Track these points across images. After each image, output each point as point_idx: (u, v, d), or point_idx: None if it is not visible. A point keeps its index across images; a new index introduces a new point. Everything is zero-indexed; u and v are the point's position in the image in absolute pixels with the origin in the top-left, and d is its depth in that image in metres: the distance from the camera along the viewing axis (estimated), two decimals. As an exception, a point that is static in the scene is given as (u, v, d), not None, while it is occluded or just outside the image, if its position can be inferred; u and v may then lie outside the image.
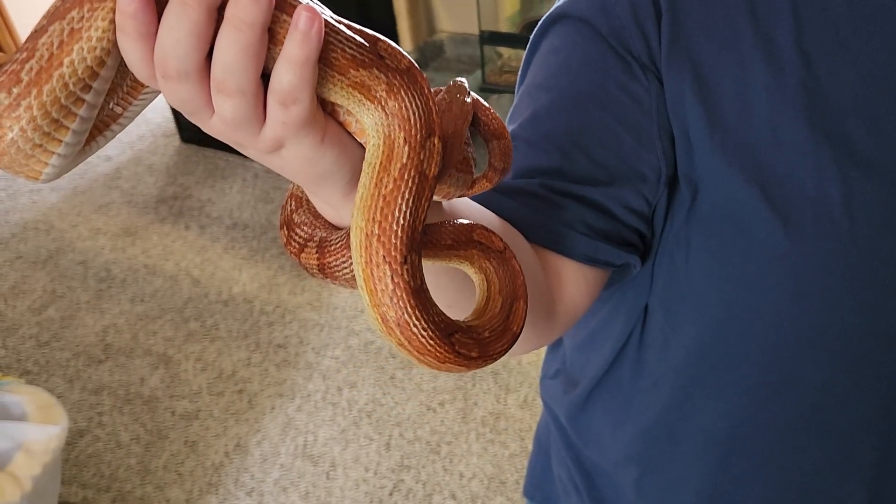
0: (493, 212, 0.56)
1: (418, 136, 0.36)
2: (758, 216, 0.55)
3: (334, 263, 0.44)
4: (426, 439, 2.01)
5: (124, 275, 2.65)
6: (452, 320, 0.38)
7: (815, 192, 0.53)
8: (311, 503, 1.88)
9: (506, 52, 2.67)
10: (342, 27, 0.35)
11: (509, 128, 0.63)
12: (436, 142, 0.36)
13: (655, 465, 0.74)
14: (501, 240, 0.43)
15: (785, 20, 0.53)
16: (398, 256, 0.35)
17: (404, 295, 0.35)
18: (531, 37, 0.65)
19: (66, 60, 0.33)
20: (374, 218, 0.35)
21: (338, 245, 0.44)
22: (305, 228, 0.47)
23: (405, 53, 0.37)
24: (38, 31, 0.34)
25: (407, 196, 0.36)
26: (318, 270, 0.45)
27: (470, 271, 0.43)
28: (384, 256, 0.35)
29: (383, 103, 0.35)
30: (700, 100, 0.55)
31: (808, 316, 0.57)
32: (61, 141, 0.36)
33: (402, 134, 0.36)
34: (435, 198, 0.44)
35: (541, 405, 2.04)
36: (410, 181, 0.36)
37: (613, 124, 0.57)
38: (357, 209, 0.36)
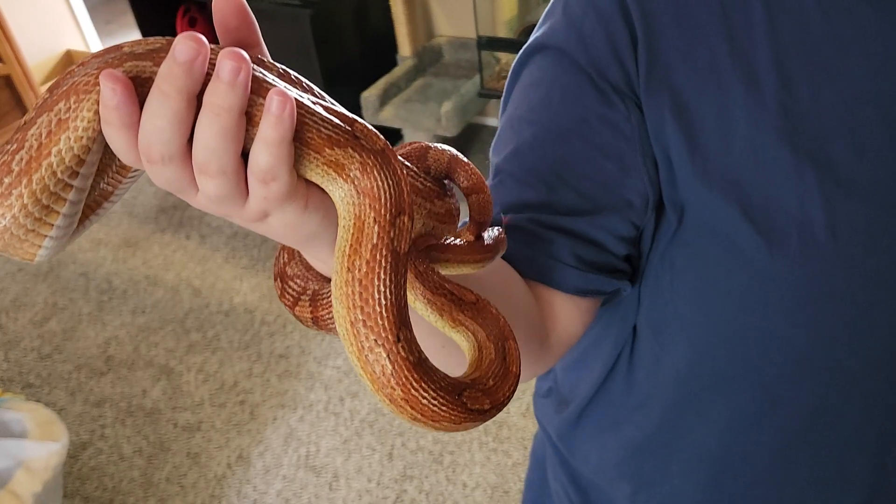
0: None
1: (388, 216, 0.36)
2: (741, 238, 0.55)
3: (327, 317, 0.45)
4: (429, 449, 2.00)
5: (125, 286, 2.65)
6: (457, 380, 0.38)
7: (799, 213, 0.53)
8: (314, 515, 1.87)
9: (504, 56, 2.67)
10: (319, 108, 0.36)
11: (494, 159, 0.64)
12: (405, 220, 0.36)
13: (648, 483, 0.74)
14: (471, 291, 0.43)
15: (762, 42, 0.53)
16: (390, 337, 0.35)
17: (406, 372, 0.35)
18: (513, 65, 0.65)
19: (54, 150, 0.35)
20: (354, 304, 0.35)
21: (330, 299, 0.45)
22: (298, 281, 0.48)
23: (380, 136, 0.38)
24: (28, 123, 0.36)
25: (383, 276, 0.35)
26: (313, 323, 0.46)
27: (451, 333, 0.43)
28: (375, 340, 0.35)
29: (356, 182, 0.36)
30: (680, 125, 0.55)
31: (796, 336, 0.57)
32: (52, 225, 0.38)
33: (371, 213, 0.36)
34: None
35: (543, 413, 2.04)
36: (383, 260, 0.35)
37: (596, 156, 0.58)
38: (336, 298, 0.36)
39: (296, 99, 0.35)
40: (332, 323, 0.44)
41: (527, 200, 0.59)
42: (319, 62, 2.75)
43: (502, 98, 0.67)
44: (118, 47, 0.35)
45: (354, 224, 0.36)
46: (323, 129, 0.36)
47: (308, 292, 0.47)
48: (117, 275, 2.70)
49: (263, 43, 0.39)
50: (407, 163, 0.43)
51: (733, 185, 0.54)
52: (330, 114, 0.36)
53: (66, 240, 0.40)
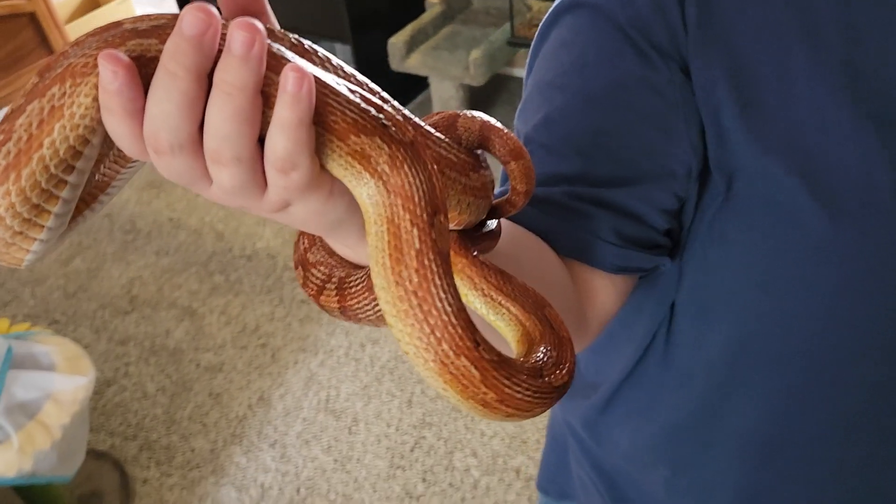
0: (517, 223, 0.54)
1: (425, 216, 0.33)
2: (800, 205, 0.52)
3: (357, 306, 0.42)
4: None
5: (149, 228, 2.66)
6: (534, 364, 0.36)
7: (862, 178, 0.50)
8: (333, 456, 1.90)
9: (535, 4, 2.61)
10: (343, 89, 0.32)
11: (521, 127, 0.60)
12: (443, 219, 0.33)
13: (688, 466, 0.71)
14: (495, 274, 0.41)
15: None
16: (469, 344, 0.33)
17: (495, 373, 0.33)
18: (540, 25, 0.61)
19: (47, 141, 0.30)
20: (418, 320, 0.33)
21: (359, 287, 0.42)
22: (322, 269, 0.44)
23: (409, 126, 0.34)
24: (16, 111, 0.31)
25: (439, 282, 0.33)
26: (340, 313, 0.43)
27: (492, 316, 0.41)
28: (455, 352, 0.33)
29: (384, 178, 0.33)
30: (734, 85, 0.52)
31: (855, 309, 0.55)
32: (43, 226, 0.33)
33: (407, 216, 0.33)
34: (454, 227, 0.41)
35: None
36: (433, 265, 0.33)
37: (635, 122, 0.54)
38: (392, 316, 0.33)
39: (316, 76, 0.31)
40: (362, 313, 0.42)
41: (561, 172, 0.55)
42: (347, 7, 2.71)
43: (528, 60, 0.64)
44: (118, 24, 0.31)
45: (388, 229, 0.33)
46: (348, 113, 0.32)
47: (333, 280, 0.44)
48: (141, 216, 2.71)
49: (271, 11, 0.35)
50: (437, 133, 0.40)
51: (793, 149, 0.51)
52: (355, 95, 0.32)
53: (57, 241, 0.35)
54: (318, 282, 0.44)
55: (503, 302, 0.41)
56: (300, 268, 0.46)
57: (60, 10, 3.53)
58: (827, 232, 0.52)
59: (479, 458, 1.86)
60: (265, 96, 0.30)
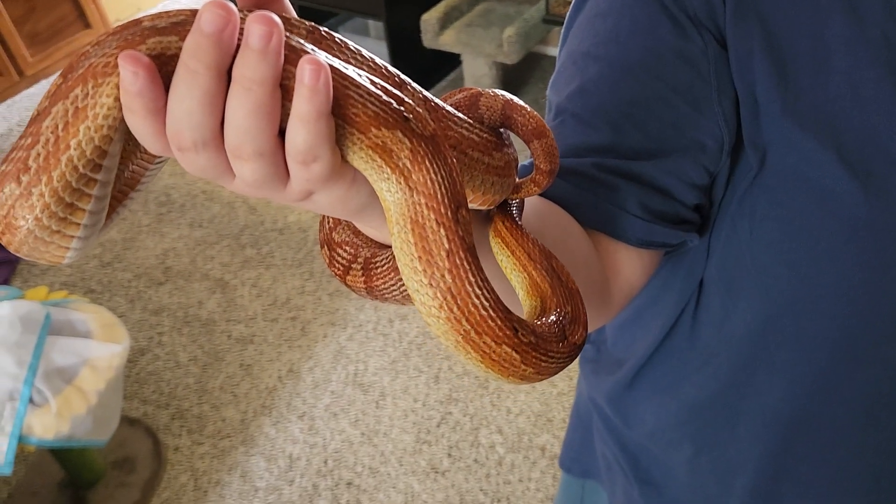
0: (543, 195, 0.54)
1: (449, 213, 0.33)
2: (834, 183, 0.51)
3: (383, 286, 0.43)
4: (475, 374, 2.02)
5: (183, 200, 2.70)
6: (557, 328, 0.38)
7: None
8: (360, 429, 1.92)
9: (571, -18, 2.57)
10: (364, 80, 0.32)
11: (553, 98, 0.59)
12: (464, 213, 0.34)
13: (712, 445, 0.71)
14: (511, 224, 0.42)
15: None
16: (509, 333, 0.34)
17: (534, 353, 0.35)
18: None
19: (73, 142, 0.31)
20: (458, 319, 0.33)
21: (385, 268, 0.42)
22: (348, 248, 0.45)
23: (430, 119, 0.34)
24: (41, 114, 0.32)
25: (472, 278, 0.33)
26: (367, 293, 0.44)
27: (509, 275, 0.42)
28: (496, 342, 0.34)
29: (406, 174, 0.33)
30: (770, 58, 0.51)
31: (884, 289, 0.54)
32: (79, 224, 0.34)
33: (432, 215, 0.33)
34: (478, 207, 0.41)
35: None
36: (465, 262, 0.33)
37: (668, 94, 0.54)
38: (431, 316, 0.34)
39: (334, 67, 0.31)
40: (388, 293, 0.43)
41: (591, 143, 0.55)
42: (381, -19, 2.69)
43: (562, 30, 0.63)
44: (137, 22, 0.31)
45: (413, 230, 0.33)
46: (369, 105, 0.32)
47: (359, 260, 0.44)
48: (175, 188, 2.75)
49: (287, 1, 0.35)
50: (458, 113, 0.40)
51: (828, 124, 0.51)
52: (376, 87, 0.32)
53: (96, 237, 0.36)
54: (343, 262, 0.45)
55: (516, 251, 0.42)
56: (326, 247, 0.46)
57: (98, -17, 3.56)
58: (860, 209, 0.51)
59: (504, 435, 1.87)
60: (284, 89, 0.30)
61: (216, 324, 2.23)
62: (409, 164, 0.33)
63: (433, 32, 2.67)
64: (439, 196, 0.33)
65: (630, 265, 0.58)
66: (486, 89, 0.42)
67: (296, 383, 2.04)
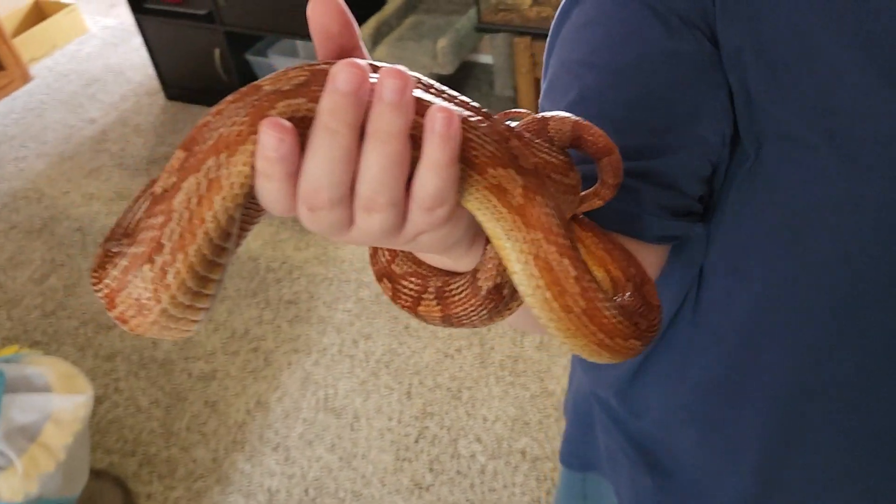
0: None
1: (567, 242, 0.35)
2: (827, 162, 0.53)
3: (462, 313, 0.43)
4: (446, 386, 2.02)
5: (124, 239, 2.61)
6: (645, 302, 0.41)
7: (885, 134, 0.52)
8: (338, 454, 1.89)
9: (499, -11, 2.60)
10: (482, 123, 0.33)
11: (550, 108, 0.61)
12: (573, 236, 0.36)
13: (718, 426, 0.73)
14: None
15: None
16: (635, 331, 0.39)
17: (651, 334, 0.40)
18: (561, 3, 0.62)
19: (209, 216, 0.31)
20: (594, 333, 0.37)
21: (463, 295, 0.43)
22: (414, 280, 0.45)
23: (529, 152, 0.35)
24: (171, 190, 0.31)
25: (600, 294, 0.36)
26: (442, 321, 0.44)
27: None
28: (624, 339, 0.38)
29: (521, 212, 0.34)
30: (759, 50, 0.54)
31: (884, 259, 0.57)
32: (209, 295, 0.34)
33: (553, 248, 0.34)
34: None
35: (558, 346, 2.06)
36: (589, 284, 0.36)
37: (667, 93, 0.55)
38: (568, 338, 0.37)
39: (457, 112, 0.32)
40: (467, 319, 0.43)
41: None
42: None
43: (548, 39, 0.64)
44: (257, 87, 0.31)
45: (537, 264, 0.35)
46: (486, 146, 0.33)
47: (430, 290, 0.44)
48: (114, 228, 2.66)
49: (363, 45, 0.36)
50: (537, 139, 0.41)
51: (817, 109, 0.53)
52: (486, 126, 0.33)
53: (213, 307, 0.36)
54: (412, 293, 0.45)
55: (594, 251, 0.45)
56: (386, 280, 0.46)
57: (7, 23, 3.43)
58: (853, 186, 0.53)
59: (483, 444, 1.87)
60: (412, 139, 0.31)
61: (174, 363, 2.16)
62: (522, 202, 0.34)
63: (366, 49, 2.66)
64: (554, 228, 0.34)
65: (647, 262, 0.59)
66: (552, 113, 0.42)
67: (266, 415, 2.00)
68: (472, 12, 2.60)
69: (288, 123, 0.29)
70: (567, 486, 1.05)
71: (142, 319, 0.32)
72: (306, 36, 2.79)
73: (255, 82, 0.31)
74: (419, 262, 0.46)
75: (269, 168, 0.30)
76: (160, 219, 0.31)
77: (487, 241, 0.42)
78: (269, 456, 1.90)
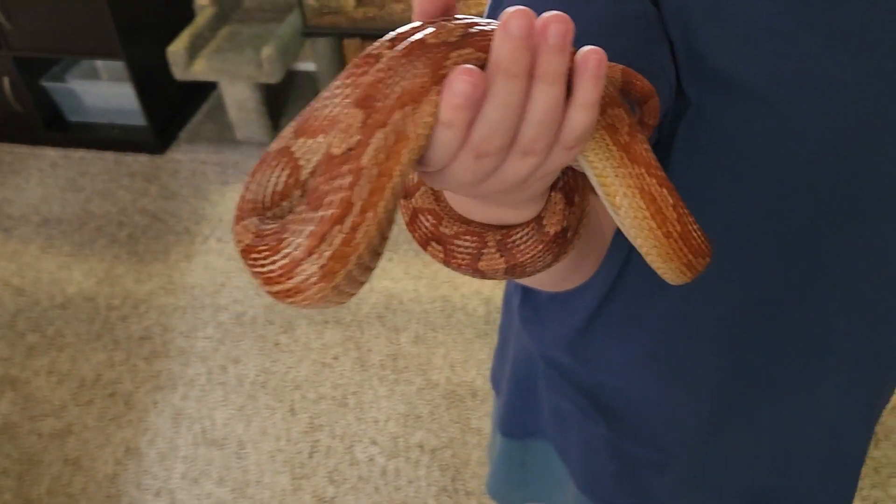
0: None
1: (663, 172, 0.37)
2: (763, 104, 0.59)
3: (529, 261, 0.44)
4: (330, 395, 1.97)
5: (-74, 299, 2.28)
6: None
7: (815, 74, 0.57)
8: (229, 486, 1.79)
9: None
10: None
11: None
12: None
13: (675, 365, 0.77)
14: None
15: None
16: (710, 248, 0.43)
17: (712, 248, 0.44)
18: None
19: (397, 170, 0.31)
20: (686, 254, 0.41)
21: (529, 242, 0.44)
22: (469, 238, 0.45)
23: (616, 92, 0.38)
24: (356, 148, 0.30)
25: (691, 218, 0.41)
26: (506, 272, 0.45)
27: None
28: (704, 259, 0.43)
29: (627, 148, 0.36)
30: (696, 8, 0.57)
31: (824, 189, 0.63)
32: (380, 255, 0.33)
33: (654, 181, 0.37)
34: None
35: (434, 338, 2.08)
36: (684, 207, 0.40)
37: (622, 57, 0.59)
38: (665, 261, 0.41)
39: None
40: (532, 266, 0.44)
41: None
42: (114, 20, 2.49)
43: (488, 8, 0.65)
44: (421, 42, 0.31)
45: (642, 196, 0.37)
46: (608, 87, 0.35)
47: (490, 244, 0.45)
48: None
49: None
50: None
51: (752, 56, 0.57)
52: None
53: None
54: (470, 251, 0.45)
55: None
56: (435, 244, 0.46)
57: None
58: (789, 125, 0.59)
59: (379, 445, 1.86)
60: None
61: (18, 426, 1.93)
62: (628, 139, 0.36)
63: (183, 64, 2.53)
64: (653, 161, 0.37)
65: (603, 210, 0.63)
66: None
67: (139, 461, 1.84)
68: (293, 18, 2.56)
69: (478, 69, 0.30)
70: (506, 455, 1.06)
71: (324, 285, 0.30)
72: (108, 55, 2.60)
73: (416, 37, 0.31)
74: (468, 221, 0.46)
75: (455, 116, 0.30)
76: (348, 178, 0.30)
77: (552, 188, 0.43)
78: (152, 503, 1.75)
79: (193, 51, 2.57)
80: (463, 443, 1.84)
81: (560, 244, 0.43)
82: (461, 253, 0.45)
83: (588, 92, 0.32)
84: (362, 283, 0.34)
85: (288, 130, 0.36)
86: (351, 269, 0.31)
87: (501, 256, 0.44)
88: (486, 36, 0.32)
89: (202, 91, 3.04)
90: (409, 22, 0.33)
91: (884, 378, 0.79)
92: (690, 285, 0.70)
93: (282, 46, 2.49)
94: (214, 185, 2.66)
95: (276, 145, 0.36)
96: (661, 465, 0.87)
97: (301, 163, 0.35)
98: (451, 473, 1.78)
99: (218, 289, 2.27)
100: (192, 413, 1.95)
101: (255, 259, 0.32)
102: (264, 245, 0.31)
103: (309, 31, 2.35)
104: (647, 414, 0.84)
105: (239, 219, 0.34)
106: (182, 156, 2.82)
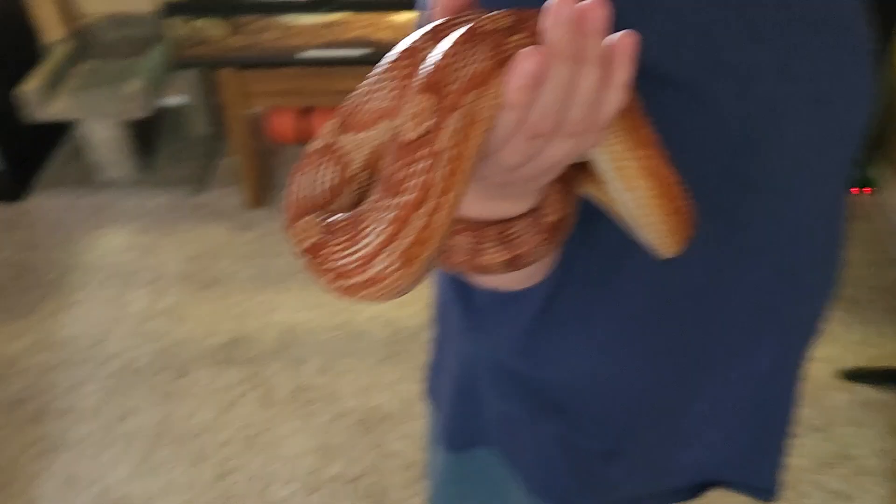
0: None
1: (665, 151, 0.40)
2: (683, 95, 0.61)
3: (529, 252, 0.45)
4: (237, 437, 1.89)
5: None
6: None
7: (726, 66, 0.61)
8: (137, 549, 1.66)
9: (199, 21, 2.48)
10: None
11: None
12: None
13: (635, 354, 0.79)
14: None
15: None
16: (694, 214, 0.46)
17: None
18: None
19: (471, 151, 0.31)
20: (687, 221, 0.44)
21: (529, 233, 0.45)
22: (466, 235, 0.46)
23: None
24: (432, 132, 0.30)
25: (685, 193, 0.43)
26: (506, 265, 0.46)
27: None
28: (692, 223, 0.46)
29: (638, 132, 0.39)
30: None
31: (738, 153, 0.68)
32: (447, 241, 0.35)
33: (662, 161, 0.40)
34: None
35: (340, 366, 2.04)
36: (683, 186, 0.43)
37: None
38: (669, 234, 0.44)
39: None
40: (531, 257, 0.46)
41: None
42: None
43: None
44: (475, 29, 0.32)
45: (649, 176, 0.40)
46: None
47: (490, 239, 0.46)
48: None
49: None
50: None
51: (678, 50, 0.60)
52: None
53: None
54: (468, 248, 0.45)
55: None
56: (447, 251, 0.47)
57: None
58: (715, 107, 0.61)
59: (298, 480, 1.79)
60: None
61: None
62: (639, 123, 0.38)
63: (40, 104, 2.36)
64: (659, 142, 0.39)
65: None
66: None
67: (31, 535, 1.68)
68: (158, 52, 2.46)
69: (542, 50, 0.31)
70: (449, 470, 1.06)
71: (405, 271, 0.30)
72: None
73: (471, 25, 0.32)
74: (459, 220, 0.46)
75: (520, 97, 0.32)
76: (426, 162, 0.30)
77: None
78: (50, 579, 1.60)
79: (50, 89, 2.41)
80: (383, 468, 1.82)
81: (558, 233, 0.45)
82: (459, 251, 0.45)
83: (624, 73, 0.34)
84: (429, 272, 0.33)
85: (329, 128, 0.35)
86: (430, 252, 0.31)
87: (503, 249, 0.45)
88: (534, 22, 0.33)
89: (56, 133, 2.85)
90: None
91: (806, 334, 0.84)
92: (634, 270, 0.74)
93: (149, 80, 2.38)
94: (83, 231, 2.49)
95: (316, 144, 0.36)
96: (611, 453, 0.89)
97: (350, 157, 0.34)
98: (376, 500, 1.75)
99: (101, 339, 2.12)
100: (86, 475, 1.80)
101: (326, 254, 0.31)
102: (340, 238, 0.30)
103: (180, 63, 2.27)
104: (597, 405, 0.86)
105: (294, 219, 0.33)
106: (43, 202, 2.62)
